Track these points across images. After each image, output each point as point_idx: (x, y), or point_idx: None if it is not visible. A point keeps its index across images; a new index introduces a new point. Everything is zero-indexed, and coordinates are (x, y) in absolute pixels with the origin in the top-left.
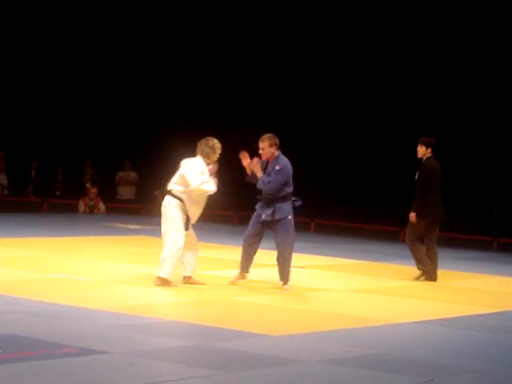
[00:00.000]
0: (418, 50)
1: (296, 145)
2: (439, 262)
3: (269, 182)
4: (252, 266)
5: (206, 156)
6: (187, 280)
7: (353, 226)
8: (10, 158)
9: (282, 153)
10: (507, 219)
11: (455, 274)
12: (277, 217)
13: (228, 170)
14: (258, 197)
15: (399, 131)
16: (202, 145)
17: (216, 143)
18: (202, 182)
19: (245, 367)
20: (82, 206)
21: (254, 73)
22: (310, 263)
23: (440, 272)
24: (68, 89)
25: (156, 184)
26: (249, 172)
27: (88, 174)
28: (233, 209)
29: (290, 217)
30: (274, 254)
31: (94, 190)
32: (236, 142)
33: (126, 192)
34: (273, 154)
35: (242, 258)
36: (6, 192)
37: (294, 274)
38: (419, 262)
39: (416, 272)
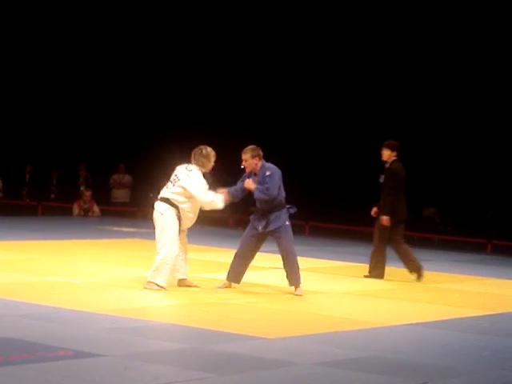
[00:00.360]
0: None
1: (290, 147)
2: (432, 264)
3: (267, 189)
4: (242, 278)
5: (201, 166)
6: (182, 282)
7: (347, 228)
8: (4, 161)
9: (276, 157)
10: (501, 222)
11: (449, 277)
12: (272, 227)
13: (222, 173)
14: (253, 209)
15: (393, 134)
16: (196, 155)
17: (210, 151)
18: (212, 200)
19: (240, 370)
20: (76, 209)
21: (245, 77)
22: (305, 266)
23: (434, 274)
24: (63, 92)
25: (150, 187)
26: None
27: (82, 177)
28: (228, 211)
29: (287, 222)
30: (270, 256)
31: (88, 193)
32: (230, 146)
33: (120, 195)
34: (256, 164)
35: (231, 268)
36: (0, 195)
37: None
38: (407, 262)
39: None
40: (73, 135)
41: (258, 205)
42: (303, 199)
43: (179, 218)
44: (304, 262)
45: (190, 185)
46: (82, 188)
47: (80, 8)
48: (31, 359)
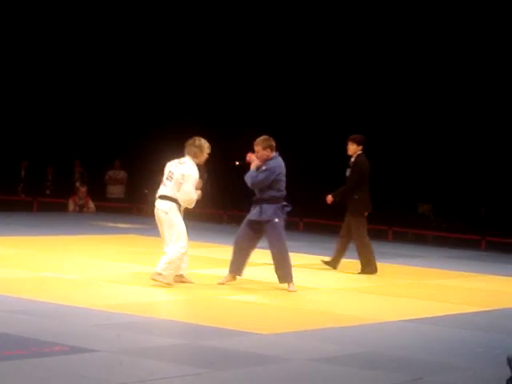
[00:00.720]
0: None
1: (285, 142)
2: (427, 261)
3: (251, 176)
4: (243, 269)
5: (193, 156)
6: (179, 278)
7: (341, 224)
8: None
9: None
10: (495, 218)
11: (444, 273)
12: (263, 216)
13: (217, 170)
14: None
15: (387, 131)
16: (189, 145)
17: (203, 143)
18: (192, 199)
19: (235, 365)
20: (71, 205)
21: (241, 73)
22: (299, 262)
23: (429, 271)
24: (58, 89)
25: (145, 183)
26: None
27: (77, 173)
28: (222, 207)
29: (276, 219)
30: (265, 252)
31: (83, 189)
32: (226, 142)
33: (115, 191)
34: (267, 156)
35: (232, 260)
36: None
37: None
38: (365, 261)
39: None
40: (68, 132)
41: (255, 192)
42: (297, 195)
43: (182, 212)
44: (298, 258)
45: (184, 172)
46: (77, 184)
47: (77, 6)
48: (26, 354)
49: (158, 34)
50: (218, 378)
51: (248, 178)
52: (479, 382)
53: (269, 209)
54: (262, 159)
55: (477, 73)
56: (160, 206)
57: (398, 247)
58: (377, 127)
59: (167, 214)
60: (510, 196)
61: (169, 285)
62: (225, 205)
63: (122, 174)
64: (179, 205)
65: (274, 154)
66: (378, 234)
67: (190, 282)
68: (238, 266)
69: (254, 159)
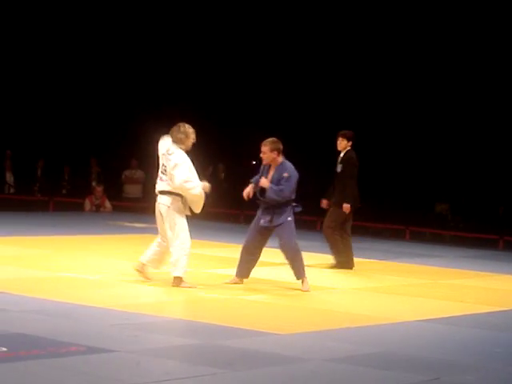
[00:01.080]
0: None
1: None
2: (444, 261)
3: (280, 191)
4: (251, 272)
5: (179, 142)
6: (142, 268)
7: (359, 224)
8: (16, 156)
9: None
10: None
11: (461, 273)
12: (275, 223)
13: (233, 169)
14: (258, 201)
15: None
16: (174, 131)
17: (188, 128)
18: (186, 181)
19: (252, 366)
20: (88, 205)
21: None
22: (316, 262)
23: (446, 270)
24: (74, 88)
25: None
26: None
27: (94, 173)
28: (238, 207)
29: (289, 218)
30: (279, 252)
31: (99, 189)
32: (241, 141)
33: (132, 190)
34: (274, 159)
35: (239, 264)
36: (12, 190)
37: None
38: (337, 252)
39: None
40: (85, 131)
41: (262, 198)
42: (313, 195)
43: (186, 205)
44: (314, 258)
45: (176, 161)
46: (93, 183)
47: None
48: (42, 355)
49: (171, 34)
50: (235, 379)
51: (273, 195)
52: (497, 382)
53: (280, 215)
54: (268, 160)
55: (495, 69)
56: (161, 201)
57: (416, 247)
58: (396, 127)
59: (169, 207)
60: None
61: (193, 286)
62: (241, 205)
63: (139, 174)
64: (181, 197)
65: (283, 158)
66: (395, 234)
67: (146, 278)
68: (245, 270)
69: (266, 183)
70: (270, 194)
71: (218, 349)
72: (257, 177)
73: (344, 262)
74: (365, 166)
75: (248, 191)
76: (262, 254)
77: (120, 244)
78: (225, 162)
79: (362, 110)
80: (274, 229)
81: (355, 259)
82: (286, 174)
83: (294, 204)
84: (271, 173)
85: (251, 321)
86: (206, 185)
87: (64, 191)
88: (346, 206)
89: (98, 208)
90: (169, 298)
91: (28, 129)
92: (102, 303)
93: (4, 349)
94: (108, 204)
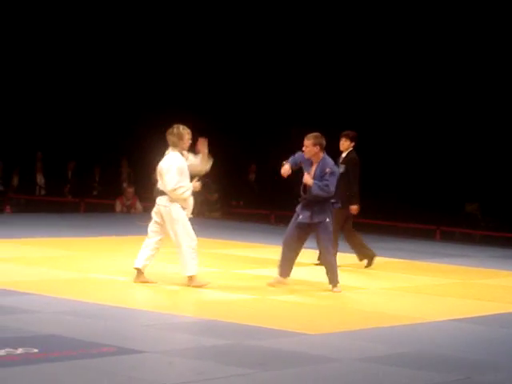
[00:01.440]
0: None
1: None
2: (474, 260)
3: (326, 186)
4: (292, 270)
5: (173, 145)
6: (139, 278)
7: (387, 224)
8: (47, 158)
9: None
10: None
11: (491, 272)
12: (315, 220)
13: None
14: (300, 199)
15: (439, 130)
16: (168, 134)
17: (181, 129)
18: (175, 188)
19: (283, 365)
20: (118, 206)
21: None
22: (345, 262)
23: (476, 270)
24: (106, 90)
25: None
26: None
27: (125, 174)
28: (269, 208)
29: (328, 219)
30: (311, 252)
31: (130, 190)
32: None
33: None
34: (316, 153)
35: (281, 261)
36: (43, 192)
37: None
38: (360, 248)
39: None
40: (116, 132)
41: (303, 194)
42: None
43: (185, 208)
44: (345, 259)
45: (163, 165)
46: (124, 184)
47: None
48: (73, 356)
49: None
50: (266, 379)
51: (319, 191)
52: None
53: (320, 211)
54: (310, 155)
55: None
56: (160, 202)
57: (446, 247)
58: (427, 128)
59: (168, 208)
60: None
61: (204, 285)
62: (272, 205)
63: None
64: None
65: (324, 153)
66: (426, 234)
67: (150, 282)
68: (287, 267)
69: (310, 180)
70: (315, 190)
71: (250, 349)
72: (293, 157)
73: (369, 255)
74: (396, 167)
75: (287, 168)
76: None
77: None
78: (257, 162)
79: (386, 110)
80: (313, 227)
81: (385, 259)
82: (328, 170)
83: (332, 201)
84: (313, 169)
85: (283, 321)
86: (196, 184)
87: (95, 192)
88: (354, 208)
89: (128, 209)
90: (201, 298)
91: (58, 130)
92: (133, 304)
93: (35, 350)
94: (139, 205)
